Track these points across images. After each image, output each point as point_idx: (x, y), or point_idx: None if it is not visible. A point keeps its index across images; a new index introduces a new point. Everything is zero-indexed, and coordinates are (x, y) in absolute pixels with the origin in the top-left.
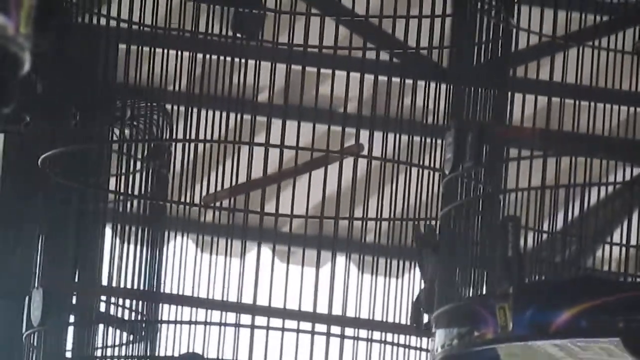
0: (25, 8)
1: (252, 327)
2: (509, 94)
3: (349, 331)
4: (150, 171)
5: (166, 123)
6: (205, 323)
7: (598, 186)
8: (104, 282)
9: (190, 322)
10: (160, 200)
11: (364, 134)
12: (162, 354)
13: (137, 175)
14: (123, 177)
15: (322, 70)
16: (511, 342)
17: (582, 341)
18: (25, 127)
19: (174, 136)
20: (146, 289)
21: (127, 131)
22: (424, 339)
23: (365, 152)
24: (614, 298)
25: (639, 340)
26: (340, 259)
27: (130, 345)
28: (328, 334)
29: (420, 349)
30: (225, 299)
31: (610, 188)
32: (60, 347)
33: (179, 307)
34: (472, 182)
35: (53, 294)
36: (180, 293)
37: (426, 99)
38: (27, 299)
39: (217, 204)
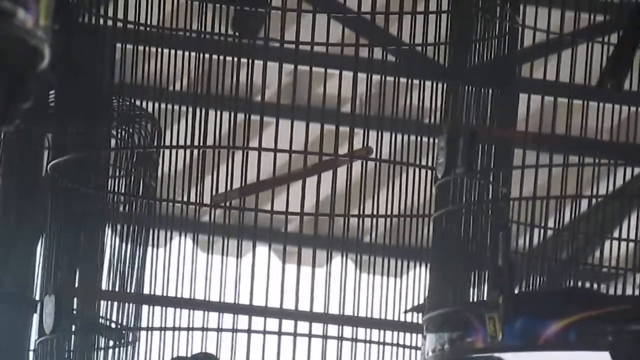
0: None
1: (249, 331)
2: (512, 93)
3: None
4: (136, 179)
5: (154, 129)
6: (203, 329)
7: (589, 198)
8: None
9: (188, 329)
10: (163, 201)
11: (365, 134)
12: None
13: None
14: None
15: (318, 70)
16: (501, 352)
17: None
18: (18, 128)
19: (167, 140)
20: (147, 293)
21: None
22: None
23: (372, 155)
24: (604, 311)
25: (628, 354)
26: (345, 258)
27: (125, 350)
28: (326, 336)
29: (417, 349)
30: (226, 299)
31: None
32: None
33: (177, 310)
34: (463, 187)
35: (65, 300)
36: (180, 296)
37: (434, 98)
38: (38, 306)
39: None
